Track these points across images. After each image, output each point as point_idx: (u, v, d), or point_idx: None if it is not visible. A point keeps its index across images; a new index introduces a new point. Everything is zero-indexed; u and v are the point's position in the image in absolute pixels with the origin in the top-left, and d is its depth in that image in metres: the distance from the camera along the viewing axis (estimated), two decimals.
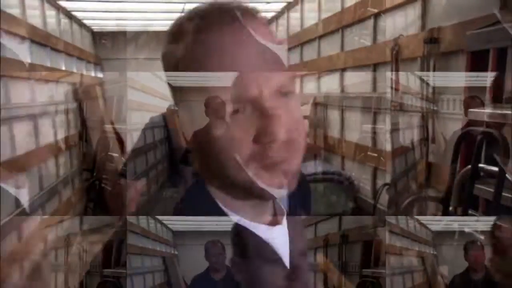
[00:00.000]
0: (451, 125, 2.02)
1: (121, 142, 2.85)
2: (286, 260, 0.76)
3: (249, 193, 0.70)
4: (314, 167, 2.70)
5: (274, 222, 0.76)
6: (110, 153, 2.69)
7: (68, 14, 3.38)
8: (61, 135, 2.71)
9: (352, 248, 1.56)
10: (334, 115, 2.90)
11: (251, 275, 0.74)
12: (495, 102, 1.70)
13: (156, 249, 1.42)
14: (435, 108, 2.10)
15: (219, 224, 0.83)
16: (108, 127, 2.85)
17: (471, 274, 1.16)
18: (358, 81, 2.75)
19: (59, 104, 2.81)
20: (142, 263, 1.31)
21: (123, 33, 3.48)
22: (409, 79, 2.25)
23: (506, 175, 1.51)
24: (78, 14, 3.49)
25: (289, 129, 0.68)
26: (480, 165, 1.64)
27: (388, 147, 2.29)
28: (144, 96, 2.46)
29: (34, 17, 2.91)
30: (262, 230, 0.74)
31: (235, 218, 0.73)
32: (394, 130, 2.28)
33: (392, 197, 2.12)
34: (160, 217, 1.17)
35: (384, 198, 2.28)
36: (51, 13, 3.25)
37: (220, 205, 0.73)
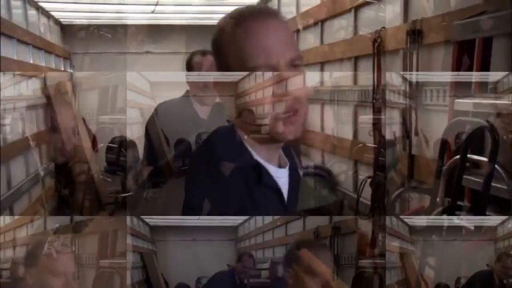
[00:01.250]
0: (435, 117, 2.02)
1: (92, 137, 2.75)
2: (285, 194, 1.05)
3: (267, 138, 0.99)
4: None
5: (280, 165, 1.05)
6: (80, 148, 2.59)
7: (36, 6, 3.23)
8: (30, 131, 2.58)
9: (344, 240, 1.53)
10: (314, 109, 2.87)
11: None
12: (480, 92, 1.70)
13: (134, 244, 1.36)
14: (417, 100, 2.09)
15: None
16: (80, 122, 2.74)
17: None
18: (338, 75, 2.73)
19: (27, 99, 2.68)
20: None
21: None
22: (392, 72, 2.24)
23: (496, 165, 1.51)
24: (46, 6, 3.34)
25: (297, 89, 0.98)
26: (468, 155, 1.63)
27: (370, 140, 2.27)
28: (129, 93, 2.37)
29: None
30: (272, 169, 1.03)
31: (255, 156, 1.01)
32: (377, 123, 2.26)
33: (377, 190, 2.10)
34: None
35: (367, 191, 2.26)
36: (16, 3, 3.09)
37: (246, 144, 1.01)
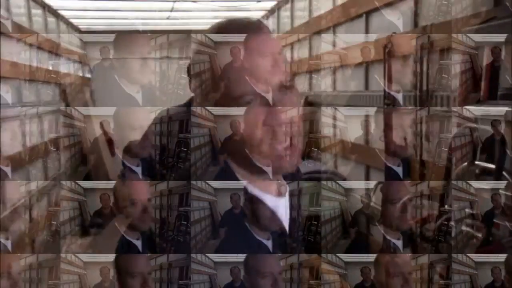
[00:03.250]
0: (444, 123, 2.01)
1: (110, 142, 2.80)
2: (286, 226, 1.01)
3: (261, 169, 0.92)
4: (306, 166, 2.68)
5: (279, 194, 0.99)
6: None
7: (55, 13, 3.32)
8: (48, 136, 2.65)
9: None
10: (326, 114, 2.88)
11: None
12: (489, 99, 1.70)
13: None
14: (428, 106, 2.09)
15: None
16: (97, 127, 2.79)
17: None
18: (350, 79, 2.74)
19: (46, 105, 2.75)
20: None
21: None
22: (402, 76, 2.24)
23: (503, 172, 1.51)
24: (65, 13, 3.43)
25: (290, 115, 0.90)
26: (476, 162, 1.63)
27: (381, 145, 2.27)
28: None
29: (19, 15, 2.85)
30: (269, 199, 0.98)
31: (249, 187, 0.96)
32: (388, 128, 2.26)
33: (386, 196, 2.10)
34: None
35: (378, 197, 2.26)
36: (36, 11, 3.18)
37: (240, 178, 0.96)
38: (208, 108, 1.02)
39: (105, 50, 1.43)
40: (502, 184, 1.47)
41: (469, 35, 1.74)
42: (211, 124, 1.03)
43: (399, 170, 1.89)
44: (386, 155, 2.20)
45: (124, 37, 1.43)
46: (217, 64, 0.95)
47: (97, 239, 1.19)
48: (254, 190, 0.96)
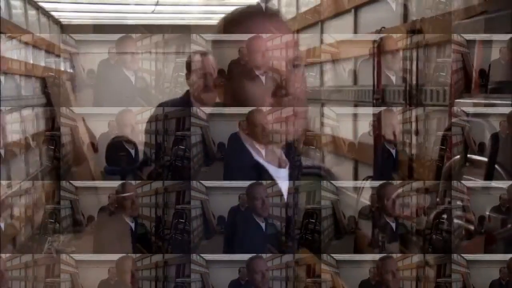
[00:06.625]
0: (435, 117, 2.02)
1: (93, 138, 2.74)
2: (285, 195, 1.07)
3: (268, 139, 1.01)
4: (305, 161, 2.66)
5: (280, 165, 1.06)
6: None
7: (35, 6, 3.23)
8: (30, 131, 2.59)
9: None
10: (314, 109, 2.87)
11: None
12: (480, 93, 1.70)
13: None
14: (418, 100, 2.09)
15: None
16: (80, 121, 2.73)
17: None
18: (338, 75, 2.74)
19: (27, 99, 2.69)
20: None
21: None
22: (392, 71, 2.24)
23: (495, 165, 1.51)
24: (45, 6, 3.34)
25: (298, 89, 0.99)
26: (468, 155, 1.63)
27: (370, 140, 2.27)
28: None
29: None
30: (272, 169, 1.04)
31: (255, 156, 1.02)
32: (377, 123, 2.26)
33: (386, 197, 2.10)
34: None
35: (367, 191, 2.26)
36: (16, 3, 3.09)
37: (247, 146, 1.02)
38: (202, 108, 1.07)
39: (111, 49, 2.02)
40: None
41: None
42: (203, 123, 1.07)
43: (393, 151, 2.02)
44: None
45: (121, 38, 1.97)
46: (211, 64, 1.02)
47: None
48: (258, 158, 1.03)
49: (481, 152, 1.61)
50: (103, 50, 2.00)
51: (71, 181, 1.30)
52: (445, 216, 1.60)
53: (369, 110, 2.22)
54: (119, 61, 2.04)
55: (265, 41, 1.00)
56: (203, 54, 2.04)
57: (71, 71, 3.77)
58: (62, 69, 3.59)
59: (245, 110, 1.02)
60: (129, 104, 1.64)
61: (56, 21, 3.64)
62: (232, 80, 1.00)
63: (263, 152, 1.03)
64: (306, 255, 1.28)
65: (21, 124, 2.60)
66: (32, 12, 3.25)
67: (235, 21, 1.03)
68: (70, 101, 2.88)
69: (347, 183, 2.61)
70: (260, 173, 1.04)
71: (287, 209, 1.10)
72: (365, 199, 2.35)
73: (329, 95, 2.74)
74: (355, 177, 2.55)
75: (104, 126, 1.85)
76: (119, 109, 1.59)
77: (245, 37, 1.00)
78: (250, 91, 0.99)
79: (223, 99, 1.05)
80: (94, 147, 2.78)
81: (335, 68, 2.75)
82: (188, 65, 2.08)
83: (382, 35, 2.22)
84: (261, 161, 1.03)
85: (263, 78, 0.99)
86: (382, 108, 2.15)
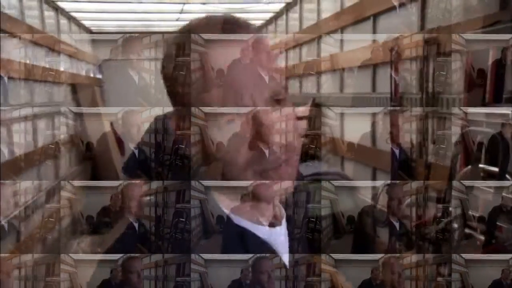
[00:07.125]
0: (450, 125, 2.01)
1: (120, 142, 2.84)
2: (286, 259, 0.84)
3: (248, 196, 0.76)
4: (314, 167, 2.68)
5: (274, 223, 0.83)
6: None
7: (67, 15, 3.38)
8: (60, 136, 2.70)
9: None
10: (333, 115, 2.89)
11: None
12: (495, 102, 1.70)
13: None
14: (434, 108, 2.09)
15: None
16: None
17: None
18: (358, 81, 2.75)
19: (58, 106, 2.80)
20: None
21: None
22: (409, 79, 2.24)
23: (506, 175, 1.51)
24: (76, 15, 3.49)
25: (283, 134, 0.75)
26: (480, 165, 1.63)
27: (388, 148, 2.28)
28: None
29: (32, 17, 2.90)
30: (262, 231, 0.81)
31: (236, 220, 0.79)
32: (394, 130, 2.26)
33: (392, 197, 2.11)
34: None
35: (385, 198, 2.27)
36: (49, 13, 3.24)
37: (223, 208, 0.80)
38: (201, 107, 0.92)
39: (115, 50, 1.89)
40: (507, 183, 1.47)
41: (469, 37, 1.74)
42: (201, 122, 0.95)
43: (397, 151, 1.99)
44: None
45: (126, 40, 1.83)
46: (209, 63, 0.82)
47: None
48: (242, 222, 0.79)
49: (493, 163, 1.61)
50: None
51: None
52: (454, 224, 1.61)
53: (369, 110, 2.22)
54: (125, 62, 2.07)
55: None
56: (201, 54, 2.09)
57: (100, 77, 3.91)
58: (92, 75, 3.74)
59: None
60: (132, 104, 1.64)
61: (87, 29, 3.79)
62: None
63: (246, 212, 0.80)
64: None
65: (52, 130, 2.71)
66: (63, 21, 3.40)
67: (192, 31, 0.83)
68: (98, 105, 3.00)
69: (365, 189, 2.63)
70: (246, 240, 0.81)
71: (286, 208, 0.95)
72: (383, 206, 2.36)
73: (346, 102, 2.76)
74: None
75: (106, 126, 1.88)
76: (119, 109, 1.55)
77: (245, 37, 0.81)
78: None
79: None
80: (121, 150, 2.88)
81: (354, 76, 2.77)
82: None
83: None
84: (245, 224, 0.81)
85: (235, 124, 0.76)
86: (381, 108, 2.15)
